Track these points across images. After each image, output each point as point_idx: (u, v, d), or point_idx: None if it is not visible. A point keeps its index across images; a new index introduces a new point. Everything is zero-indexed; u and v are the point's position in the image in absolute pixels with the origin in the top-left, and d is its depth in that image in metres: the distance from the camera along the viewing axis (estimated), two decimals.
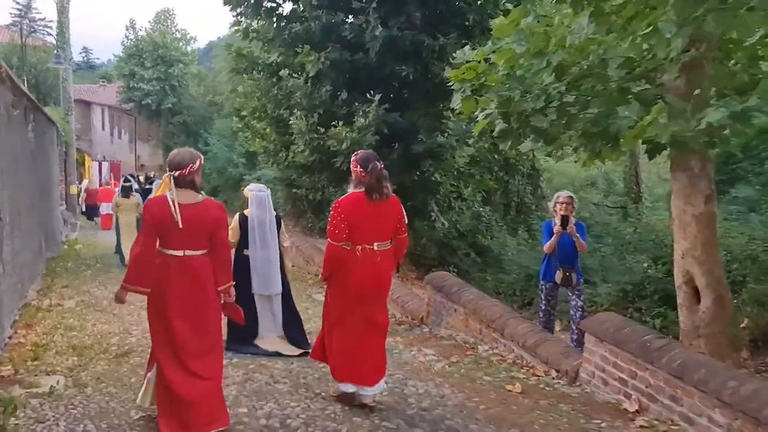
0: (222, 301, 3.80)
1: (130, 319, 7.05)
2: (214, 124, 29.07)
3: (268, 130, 10.96)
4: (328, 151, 9.91)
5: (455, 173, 10.99)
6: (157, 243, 3.56)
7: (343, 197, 4.12)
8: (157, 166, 36.09)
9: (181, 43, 33.55)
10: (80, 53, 75.86)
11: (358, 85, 10.22)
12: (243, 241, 5.68)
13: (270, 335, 5.76)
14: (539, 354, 5.25)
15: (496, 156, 12.46)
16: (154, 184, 16.01)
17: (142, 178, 21.71)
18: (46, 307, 7.60)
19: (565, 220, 5.83)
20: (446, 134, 9.85)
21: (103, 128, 42.85)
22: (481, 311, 6.13)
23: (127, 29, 32.85)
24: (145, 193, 13.50)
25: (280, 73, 9.96)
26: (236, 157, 25.26)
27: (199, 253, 3.60)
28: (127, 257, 11.57)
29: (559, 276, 6.00)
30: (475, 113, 5.28)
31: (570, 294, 6.08)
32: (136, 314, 7.35)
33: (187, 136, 33.00)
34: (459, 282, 6.99)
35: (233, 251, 5.28)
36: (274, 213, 5.91)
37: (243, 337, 5.56)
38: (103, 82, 44.79)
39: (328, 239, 4.03)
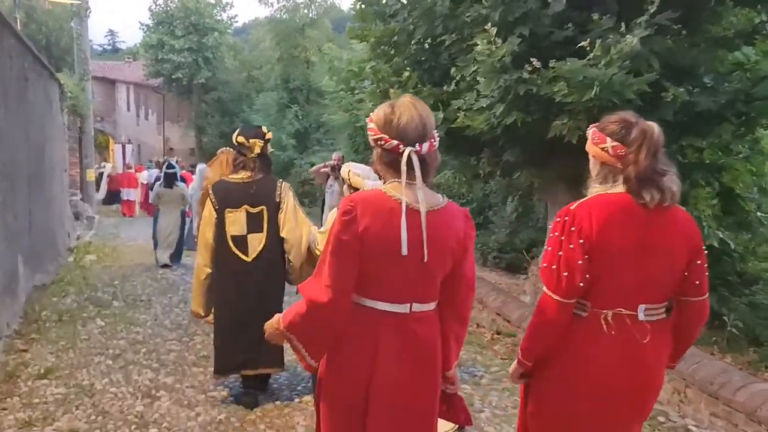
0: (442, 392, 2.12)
1: None
2: (257, 99, 24.33)
3: (406, 74, 6.15)
4: (541, 105, 5.11)
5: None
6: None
7: (581, 202, 2.07)
8: (188, 150, 31.61)
9: (215, 10, 28.75)
10: (105, 36, 72.01)
11: None
12: None
13: None
14: None
15: None
16: (198, 168, 11.41)
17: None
18: None
19: None
20: None
21: (128, 108, 38.41)
22: None
23: None
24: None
25: None
26: (285, 138, 20.55)
27: (431, 306, 1.99)
28: (160, 253, 8.74)
29: None
30: None
31: None
32: None
33: (222, 116, 28.42)
34: None
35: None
36: None
37: None
38: (129, 58, 40.35)
39: (545, 289, 2.06)
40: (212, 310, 3.91)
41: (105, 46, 68.96)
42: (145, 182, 20.57)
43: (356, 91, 12.30)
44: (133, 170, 23.55)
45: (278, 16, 22.71)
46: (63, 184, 10.73)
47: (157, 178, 12.00)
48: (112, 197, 21.29)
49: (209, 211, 3.76)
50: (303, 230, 3.76)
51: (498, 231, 9.93)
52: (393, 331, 1.95)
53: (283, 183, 3.88)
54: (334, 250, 1.90)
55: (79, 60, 15.63)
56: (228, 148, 6.26)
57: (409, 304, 1.95)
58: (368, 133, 2.00)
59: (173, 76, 28.14)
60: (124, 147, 32.29)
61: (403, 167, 1.87)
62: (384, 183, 1.96)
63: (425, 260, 1.88)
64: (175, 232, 9.16)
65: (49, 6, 21.48)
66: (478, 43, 5.05)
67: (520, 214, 9.72)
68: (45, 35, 19.14)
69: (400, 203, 1.85)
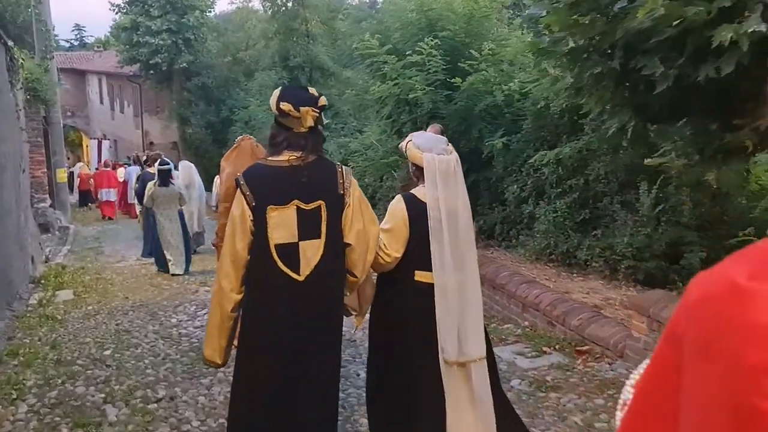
0: None
1: None
2: (252, 81, 21.01)
3: None
4: None
5: None
6: None
7: None
8: (170, 144, 28.22)
9: None
10: (72, 30, 66.90)
11: None
12: (415, 255, 2.60)
13: None
14: None
15: None
16: (181, 165, 10.23)
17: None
18: None
19: None
20: None
21: (101, 101, 34.76)
22: None
23: None
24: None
25: None
26: None
27: None
28: (173, 263, 8.02)
29: None
30: None
31: None
32: None
33: (207, 104, 25.02)
34: None
35: (386, 277, 2.73)
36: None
37: None
38: (99, 47, 36.62)
39: None
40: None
41: (72, 41, 64.36)
42: (122, 180, 17.79)
43: (408, 53, 9.36)
44: (111, 168, 20.38)
45: None
46: (21, 190, 7.56)
47: (143, 177, 9.58)
48: (84, 198, 19.41)
49: (241, 210, 2.50)
50: (371, 233, 2.59)
51: (631, 231, 7.08)
52: None
53: (344, 167, 2.67)
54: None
55: (39, 34, 12.29)
56: (247, 135, 4.93)
57: None
58: None
59: (151, 62, 24.61)
60: (100, 143, 28.86)
61: None
62: None
63: None
64: (180, 237, 8.27)
65: None
66: None
67: (668, 208, 6.87)
68: None
69: None
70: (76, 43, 64.48)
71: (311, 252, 2.49)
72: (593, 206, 8.09)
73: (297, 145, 2.54)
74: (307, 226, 2.51)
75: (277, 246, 2.47)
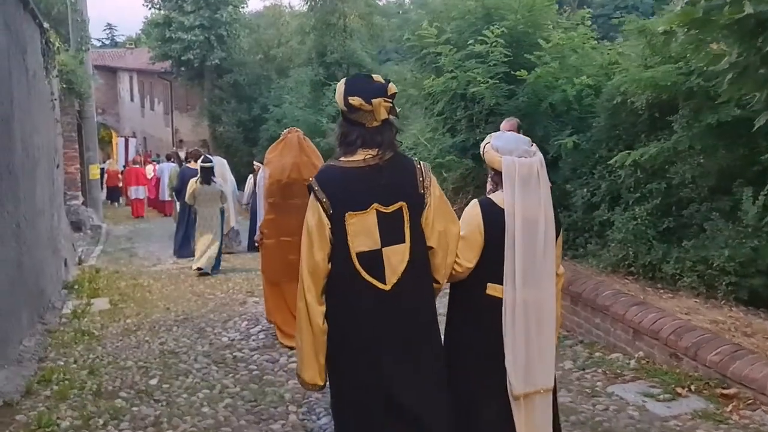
0: None
1: None
2: (286, 77, 20.35)
3: None
4: None
5: None
6: None
7: None
8: (200, 142, 27.73)
9: None
10: (104, 30, 67.24)
11: None
12: (489, 266, 2.38)
13: None
14: None
15: None
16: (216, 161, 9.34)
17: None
18: None
19: None
20: None
21: (132, 99, 34.56)
22: None
23: None
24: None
25: None
26: (325, 122, 16.74)
27: None
28: (199, 260, 7.81)
29: None
30: None
31: None
32: None
33: (239, 101, 24.50)
34: None
35: (456, 289, 2.52)
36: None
37: None
38: (131, 45, 36.46)
39: None
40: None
41: (104, 40, 64.78)
42: (151, 177, 17.54)
43: (470, 43, 8.56)
44: (140, 165, 19.97)
45: None
46: (55, 188, 6.94)
47: (183, 174, 9.16)
48: (111, 194, 19.76)
49: (317, 218, 2.32)
50: (452, 233, 2.39)
51: (731, 243, 6.20)
52: None
53: (422, 163, 2.46)
54: None
55: (75, 24, 11.76)
56: (294, 127, 4.89)
57: None
58: None
59: (183, 58, 24.20)
60: (126, 140, 28.48)
61: None
62: None
63: None
64: (217, 238, 8.05)
65: None
66: None
67: None
68: (34, 3, 15.13)
69: None
70: (107, 42, 64.91)
71: (396, 258, 2.33)
72: (677, 214, 7.20)
73: (372, 142, 2.35)
74: (390, 231, 2.34)
75: (359, 254, 2.32)
